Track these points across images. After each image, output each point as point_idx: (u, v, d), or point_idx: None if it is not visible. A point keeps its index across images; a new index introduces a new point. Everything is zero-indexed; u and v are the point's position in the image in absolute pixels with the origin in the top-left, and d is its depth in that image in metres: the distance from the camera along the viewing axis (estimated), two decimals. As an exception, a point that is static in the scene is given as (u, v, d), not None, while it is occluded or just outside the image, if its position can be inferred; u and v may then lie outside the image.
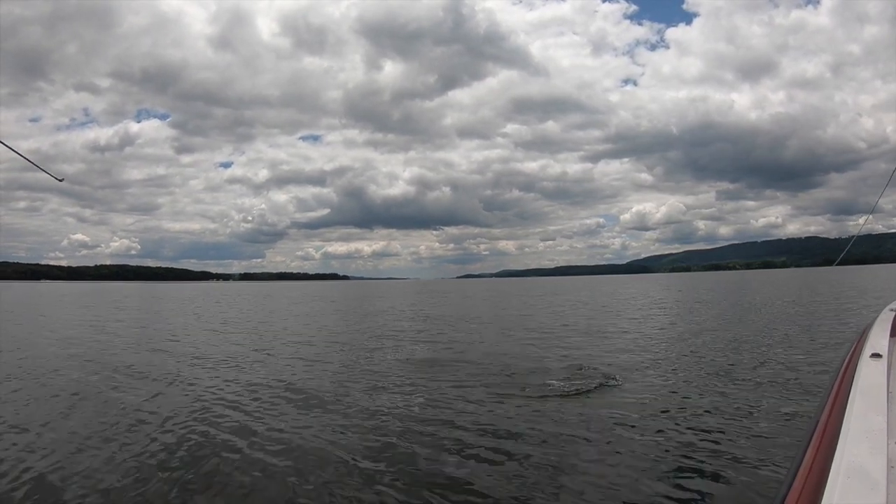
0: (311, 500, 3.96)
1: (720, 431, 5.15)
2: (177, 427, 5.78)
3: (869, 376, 1.81)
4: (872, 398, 1.60)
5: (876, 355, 2.02)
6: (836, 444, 1.31)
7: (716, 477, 4.08)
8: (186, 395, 7.40)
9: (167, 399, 7.16)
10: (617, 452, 4.70)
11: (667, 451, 4.68)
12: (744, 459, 4.37)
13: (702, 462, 4.38)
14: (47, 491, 4.16)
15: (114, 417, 6.23)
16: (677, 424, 5.43)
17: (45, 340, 14.33)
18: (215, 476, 4.41)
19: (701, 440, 4.92)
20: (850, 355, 2.22)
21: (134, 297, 48.43)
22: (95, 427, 5.84)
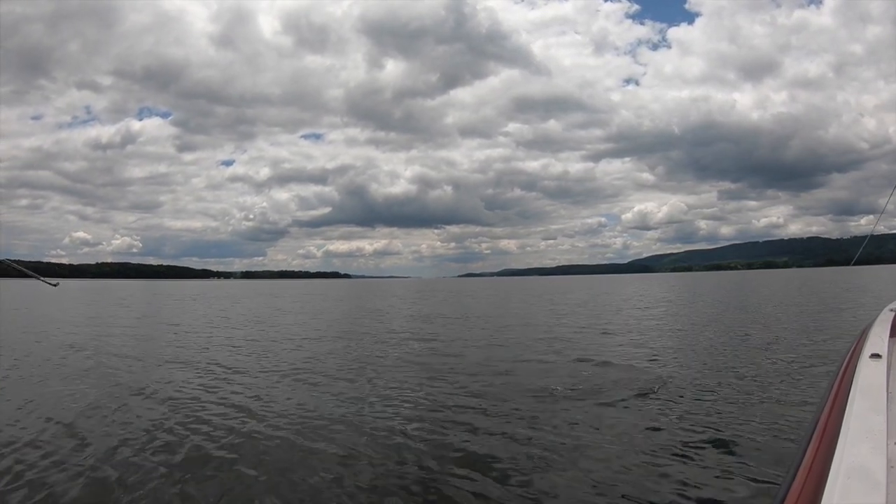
0: (319, 495, 3.98)
1: (720, 430, 5.15)
2: (182, 425, 5.82)
3: (868, 376, 1.81)
4: (872, 398, 1.60)
5: (875, 355, 2.02)
6: (836, 444, 1.31)
7: (714, 476, 4.08)
8: (201, 391, 7.43)
9: (172, 393, 7.20)
10: (617, 450, 4.70)
11: (666, 448, 4.69)
12: (744, 458, 4.38)
13: (700, 462, 4.39)
14: (91, 485, 4.20)
15: (134, 413, 6.28)
16: (678, 424, 5.43)
17: (77, 338, 14.38)
18: (223, 472, 4.43)
19: (700, 439, 4.92)
20: (849, 355, 2.22)
21: (139, 296, 48.53)
22: (132, 422, 5.90)
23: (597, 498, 3.85)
